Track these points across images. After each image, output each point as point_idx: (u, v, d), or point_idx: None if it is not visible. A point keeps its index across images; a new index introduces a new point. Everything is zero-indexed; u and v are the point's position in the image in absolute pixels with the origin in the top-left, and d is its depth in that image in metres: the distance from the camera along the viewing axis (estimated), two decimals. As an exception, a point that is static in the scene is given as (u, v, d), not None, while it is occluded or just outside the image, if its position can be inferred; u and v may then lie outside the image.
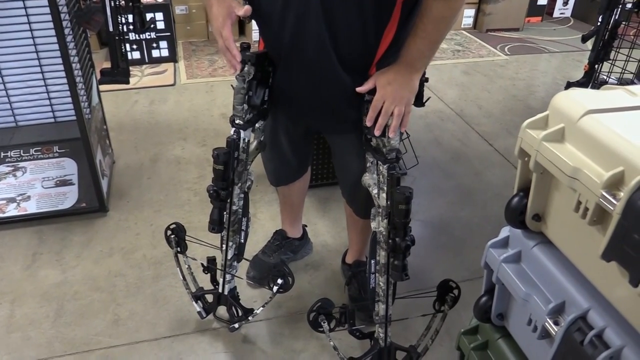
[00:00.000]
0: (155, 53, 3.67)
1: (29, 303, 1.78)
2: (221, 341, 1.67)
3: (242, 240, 1.59)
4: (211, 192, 1.42)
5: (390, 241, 1.33)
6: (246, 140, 1.44)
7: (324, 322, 1.46)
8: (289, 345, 1.68)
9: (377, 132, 1.27)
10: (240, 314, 1.64)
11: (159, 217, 2.21)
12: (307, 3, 1.20)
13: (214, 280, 1.71)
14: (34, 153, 2.19)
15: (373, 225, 1.44)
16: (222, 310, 1.71)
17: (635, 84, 3.13)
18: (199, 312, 1.66)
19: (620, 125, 0.63)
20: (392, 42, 1.30)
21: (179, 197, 2.34)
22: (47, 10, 1.93)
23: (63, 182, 2.15)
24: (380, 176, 1.35)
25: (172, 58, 3.73)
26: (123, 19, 2.04)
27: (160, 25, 3.56)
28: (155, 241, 2.07)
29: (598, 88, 3.08)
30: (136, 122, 2.94)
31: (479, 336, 0.94)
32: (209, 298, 1.69)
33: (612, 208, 0.59)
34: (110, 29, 2.03)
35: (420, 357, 1.50)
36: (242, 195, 1.52)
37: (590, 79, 3.12)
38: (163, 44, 3.65)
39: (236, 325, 1.63)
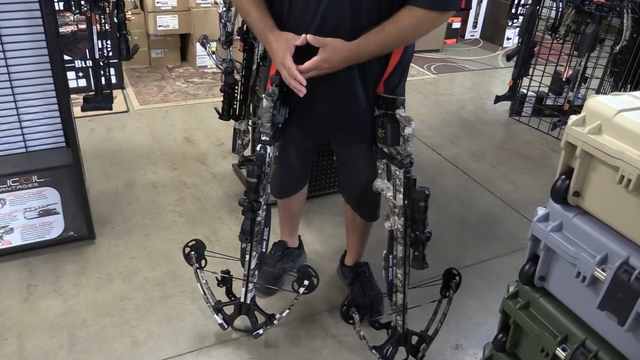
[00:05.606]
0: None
1: (37, 335, 1.74)
2: (244, 349, 1.75)
3: (264, 250, 1.70)
4: (245, 204, 1.53)
5: (412, 234, 1.52)
6: (271, 155, 1.57)
7: (355, 314, 1.61)
8: (309, 344, 1.80)
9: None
10: (262, 320, 1.73)
11: (150, 240, 2.23)
12: (339, 23, 1.37)
13: (229, 293, 1.80)
14: (12, 184, 2.12)
15: (387, 224, 1.62)
16: (238, 321, 1.79)
17: (549, 96, 3.62)
18: (220, 324, 1.73)
19: (644, 119, 0.88)
20: (398, 63, 1.52)
21: (164, 220, 2.37)
22: (20, 38, 1.93)
23: (47, 212, 2.11)
24: (397, 179, 1.55)
25: (120, 85, 3.70)
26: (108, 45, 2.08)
27: (109, 52, 3.53)
28: (153, 263, 2.10)
29: (520, 100, 3.51)
30: (99, 150, 2.90)
31: (519, 299, 1.15)
32: (227, 310, 1.77)
33: (652, 176, 0.83)
34: (97, 55, 2.06)
35: (432, 340, 1.70)
36: (264, 207, 1.63)
37: (515, 92, 3.58)
38: (111, 71, 3.61)
39: (260, 331, 1.72)
